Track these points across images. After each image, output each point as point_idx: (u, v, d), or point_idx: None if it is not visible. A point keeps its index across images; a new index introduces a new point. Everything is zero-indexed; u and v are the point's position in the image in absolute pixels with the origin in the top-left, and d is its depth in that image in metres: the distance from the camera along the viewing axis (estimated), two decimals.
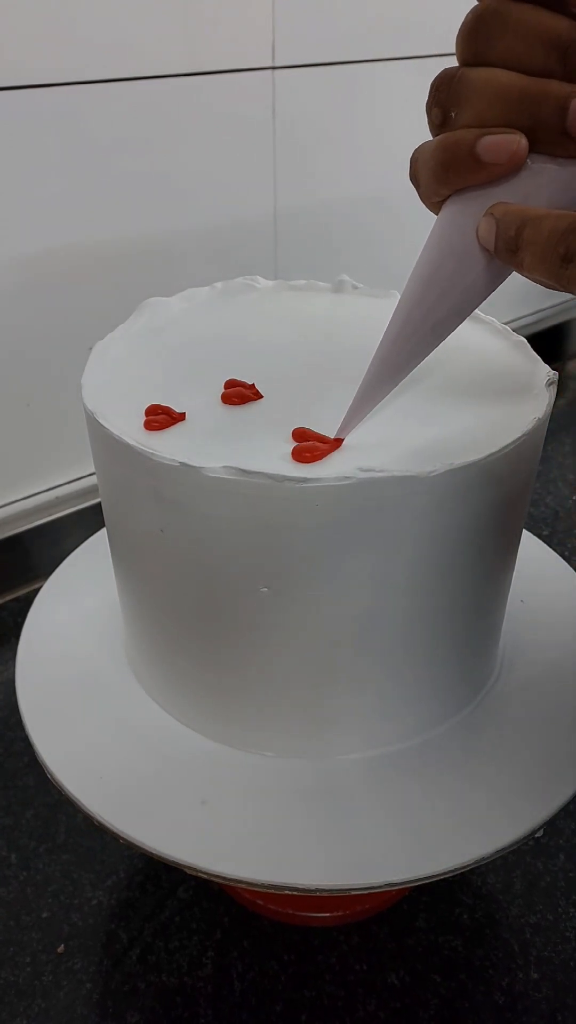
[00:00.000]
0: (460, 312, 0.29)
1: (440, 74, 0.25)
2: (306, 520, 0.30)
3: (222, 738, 0.38)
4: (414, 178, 0.27)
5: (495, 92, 0.24)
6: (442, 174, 0.26)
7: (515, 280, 0.28)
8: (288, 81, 0.66)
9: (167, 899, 0.47)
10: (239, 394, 0.35)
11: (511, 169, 0.25)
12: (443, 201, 0.27)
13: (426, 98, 0.27)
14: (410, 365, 0.31)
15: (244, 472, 0.29)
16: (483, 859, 0.34)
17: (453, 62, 0.26)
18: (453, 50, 0.26)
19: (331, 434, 0.32)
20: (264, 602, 0.33)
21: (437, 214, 0.28)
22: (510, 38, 0.24)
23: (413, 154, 0.27)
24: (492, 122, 0.24)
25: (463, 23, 0.25)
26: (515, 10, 0.24)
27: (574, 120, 0.23)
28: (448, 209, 0.27)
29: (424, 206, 0.28)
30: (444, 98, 0.25)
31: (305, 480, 0.29)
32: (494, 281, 0.28)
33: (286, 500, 0.30)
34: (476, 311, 0.42)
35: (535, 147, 0.24)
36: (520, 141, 0.24)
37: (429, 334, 0.30)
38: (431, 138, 0.27)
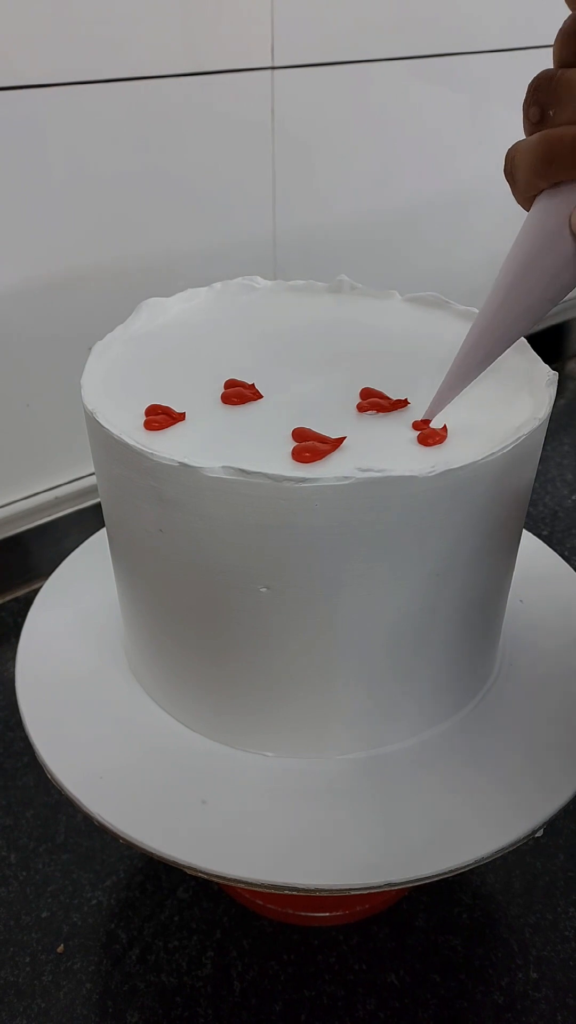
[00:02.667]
0: (553, 298, 0.30)
1: (539, 75, 0.27)
2: (305, 520, 0.30)
3: (221, 738, 0.38)
4: (510, 174, 0.29)
5: None
6: (543, 168, 0.27)
7: None
8: (287, 81, 0.66)
9: (167, 899, 0.47)
10: (239, 394, 0.35)
11: None
12: (536, 196, 0.29)
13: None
14: (500, 350, 0.32)
15: (243, 472, 0.29)
16: (482, 859, 0.34)
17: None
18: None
19: (331, 434, 0.32)
20: (263, 602, 0.33)
21: (528, 210, 0.29)
22: None
23: (509, 151, 0.29)
24: None
25: (562, 28, 0.27)
26: None
27: None
28: (543, 201, 0.28)
29: (515, 203, 0.30)
30: (543, 97, 0.27)
31: (304, 480, 0.29)
32: None
33: (285, 500, 0.30)
34: (476, 311, 0.42)
35: None
36: None
37: (521, 319, 0.31)
38: (524, 137, 0.28)
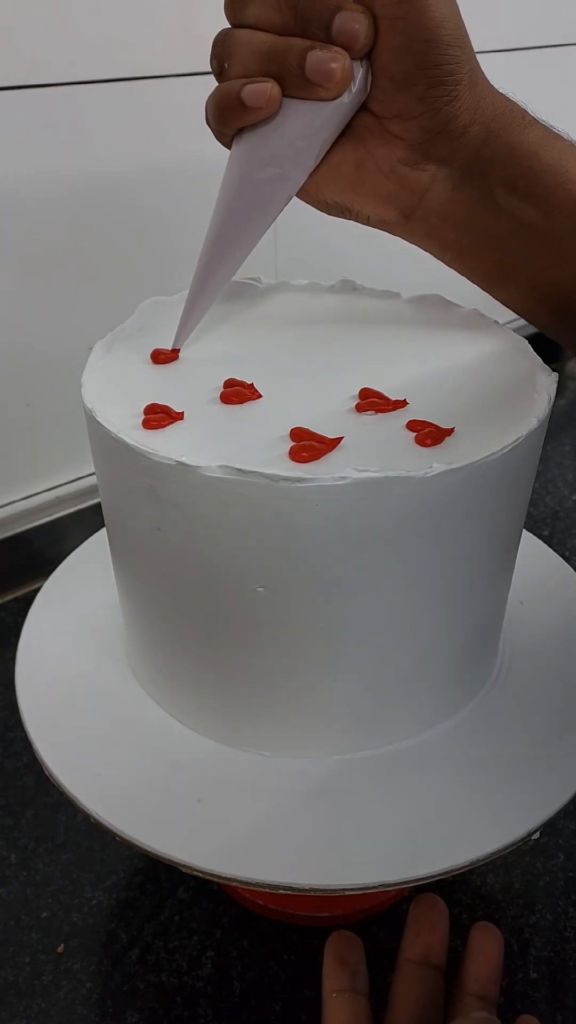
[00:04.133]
0: (259, 226, 0.35)
1: (218, 33, 0.31)
2: (303, 520, 0.30)
3: (220, 737, 0.38)
4: (207, 122, 0.33)
5: (252, 49, 0.30)
6: (220, 116, 0.32)
7: None
8: None
9: (167, 899, 0.47)
10: (238, 393, 0.35)
11: (270, 110, 0.30)
12: (232, 139, 0.33)
13: None
14: (228, 273, 0.37)
15: (240, 471, 0.29)
16: (482, 859, 0.34)
17: None
18: None
19: (330, 434, 0.32)
20: (260, 601, 0.33)
21: (229, 149, 0.33)
22: (258, 4, 0.30)
23: (206, 102, 0.32)
24: (253, 73, 0.30)
25: None
26: None
27: (311, 69, 0.29)
28: (234, 146, 0.33)
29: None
30: (219, 52, 0.31)
31: (301, 480, 0.29)
32: (277, 197, 0.34)
33: (282, 500, 0.30)
34: (477, 311, 0.42)
35: (287, 92, 0.30)
36: (273, 88, 0.30)
37: (236, 246, 0.35)
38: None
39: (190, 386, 0.36)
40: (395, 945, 0.45)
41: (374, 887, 0.33)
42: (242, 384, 0.36)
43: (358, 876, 0.33)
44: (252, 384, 0.36)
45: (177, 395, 0.35)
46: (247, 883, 0.33)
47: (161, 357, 0.38)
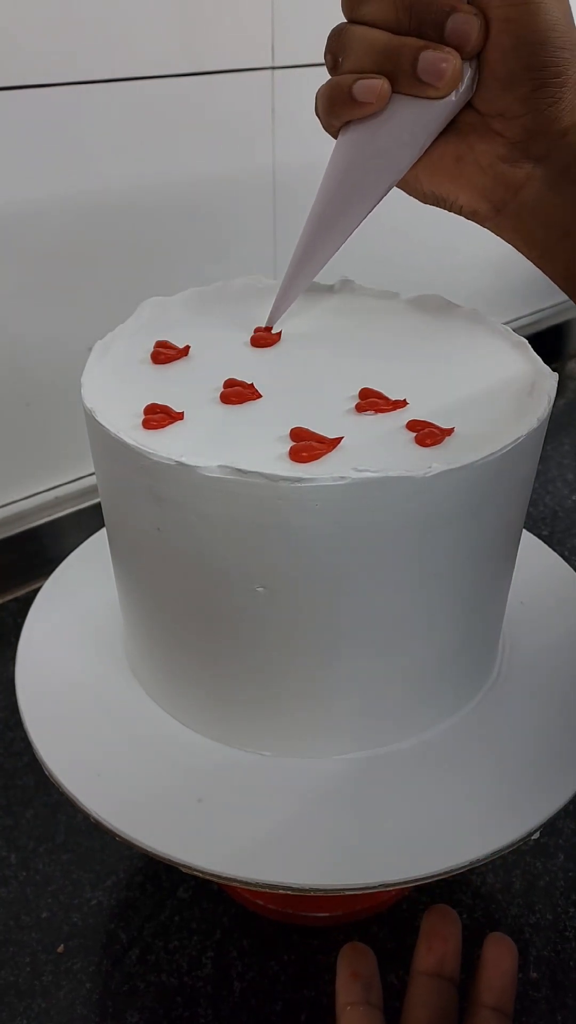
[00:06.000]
0: (360, 212, 0.36)
1: (334, 28, 0.32)
2: (302, 520, 0.30)
3: (220, 737, 0.38)
4: (317, 112, 0.34)
5: (367, 45, 0.31)
6: (330, 109, 0.33)
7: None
8: (288, 81, 0.66)
9: (167, 899, 0.47)
10: (237, 393, 0.35)
11: (379, 106, 0.32)
12: (339, 129, 0.34)
13: None
14: (326, 258, 0.38)
15: (240, 471, 0.29)
16: (481, 859, 0.34)
17: None
18: None
19: (330, 434, 0.32)
20: (260, 601, 0.33)
21: (336, 138, 0.35)
22: (375, 2, 0.31)
23: (316, 93, 0.33)
24: (366, 68, 0.31)
25: None
26: None
27: (423, 68, 0.30)
28: (341, 137, 0.34)
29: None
30: (334, 46, 0.32)
31: (300, 480, 0.29)
32: (379, 186, 0.35)
33: (282, 500, 0.30)
34: (477, 311, 0.42)
35: (398, 89, 0.31)
36: (384, 85, 0.31)
37: (336, 233, 0.37)
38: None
39: (190, 386, 0.36)
40: (395, 945, 0.45)
41: (374, 887, 0.33)
42: (242, 384, 0.36)
43: (358, 876, 0.33)
44: (252, 384, 0.36)
45: (177, 395, 0.35)
46: (247, 883, 0.33)
47: (161, 357, 0.38)
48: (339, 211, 0.36)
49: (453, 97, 0.31)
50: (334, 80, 0.32)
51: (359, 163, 0.34)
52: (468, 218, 0.36)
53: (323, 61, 0.33)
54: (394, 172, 0.34)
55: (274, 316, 0.40)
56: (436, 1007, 0.35)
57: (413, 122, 0.32)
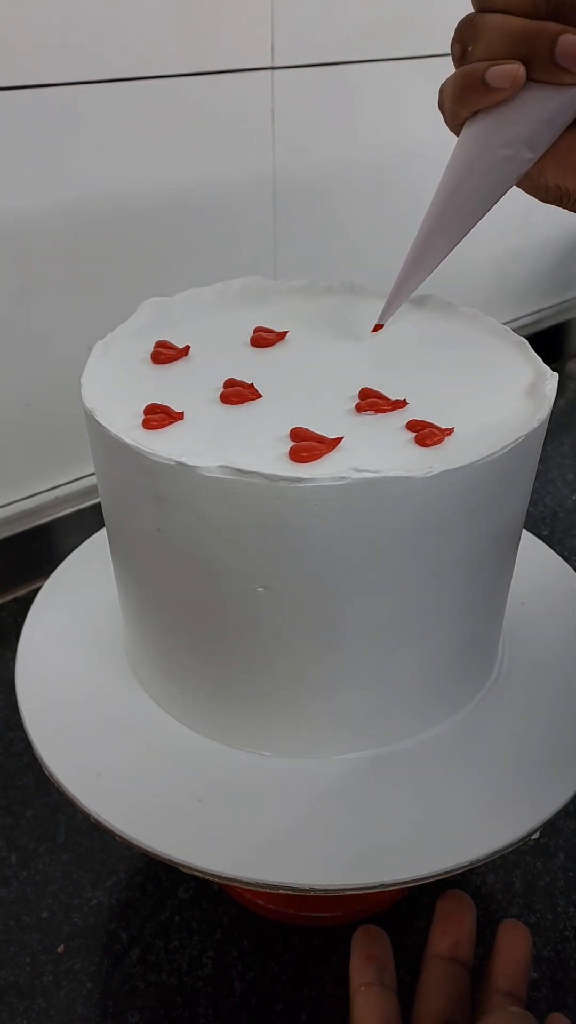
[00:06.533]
0: (481, 208, 0.35)
1: (463, 18, 0.31)
2: (302, 520, 0.30)
3: (220, 737, 0.38)
4: (441, 106, 0.33)
5: (502, 31, 0.30)
6: (460, 97, 0.32)
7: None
8: (287, 81, 0.66)
9: (167, 899, 0.47)
10: (237, 393, 0.35)
11: (513, 92, 0.30)
12: (462, 124, 0.33)
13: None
14: (439, 257, 0.37)
15: (240, 472, 0.29)
16: (481, 859, 0.34)
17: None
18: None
19: (330, 434, 0.32)
20: (260, 602, 0.33)
21: (458, 135, 0.34)
22: None
23: (441, 86, 0.33)
24: (499, 55, 0.30)
25: None
26: None
27: (561, 52, 0.29)
28: (467, 128, 0.33)
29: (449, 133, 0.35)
30: (464, 36, 0.31)
31: (300, 480, 0.29)
32: (506, 179, 0.34)
33: (282, 500, 0.30)
34: (477, 311, 0.42)
35: (532, 75, 0.30)
36: (519, 70, 0.30)
37: (457, 228, 0.35)
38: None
39: (190, 386, 0.36)
40: (395, 945, 0.45)
41: (374, 887, 0.33)
42: (242, 384, 0.36)
43: (358, 876, 0.33)
44: (252, 384, 0.36)
45: (177, 395, 0.35)
46: (247, 883, 0.33)
47: (161, 357, 0.38)
48: (462, 205, 0.35)
49: None
50: (466, 68, 0.31)
51: (486, 154, 0.32)
52: None
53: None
54: (523, 162, 0.33)
55: (387, 313, 0.39)
56: (450, 991, 0.35)
57: (545, 109, 0.31)
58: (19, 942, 0.45)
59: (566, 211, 0.34)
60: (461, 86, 0.31)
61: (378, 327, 0.40)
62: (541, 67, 0.30)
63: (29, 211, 0.58)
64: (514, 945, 0.36)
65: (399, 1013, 0.34)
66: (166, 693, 0.40)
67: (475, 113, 0.32)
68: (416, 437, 0.32)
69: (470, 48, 0.31)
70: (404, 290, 0.38)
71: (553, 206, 0.34)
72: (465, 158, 0.33)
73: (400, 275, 0.38)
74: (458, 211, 0.35)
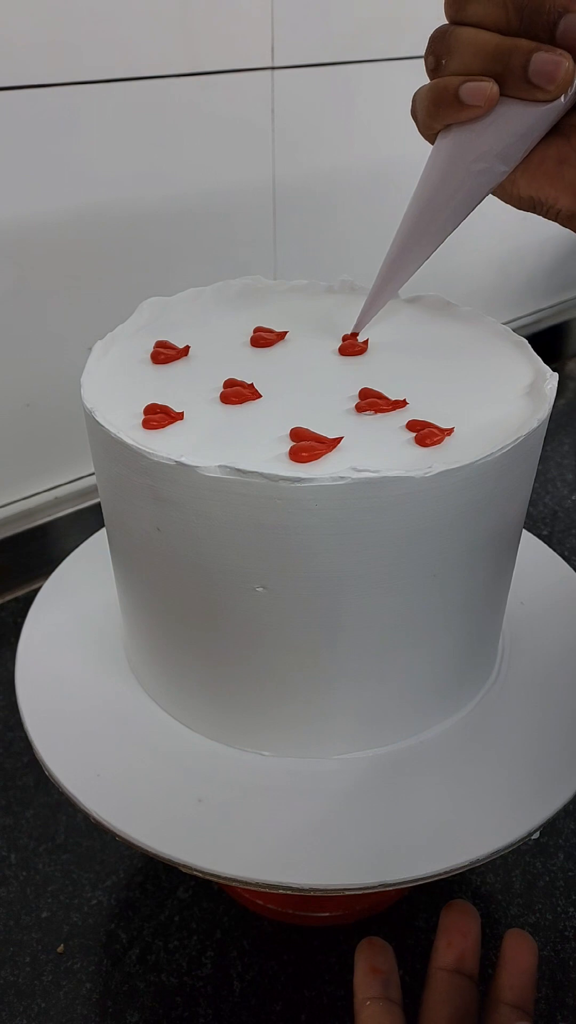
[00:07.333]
0: (454, 219, 0.35)
1: (436, 29, 0.31)
2: (301, 520, 0.30)
3: (219, 737, 0.38)
4: (414, 114, 0.33)
5: (476, 47, 0.30)
6: (433, 111, 0.32)
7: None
8: (287, 81, 0.66)
9: (167, 899, 0.47)
10: (237, 393, 0.35)
11: (487, 110, 0.31)
12: (437, 133, 0.33)
13: None
14: (414, 267, 0.37)
15: (239, 471, 0.29)
16: (481, 859, 0.34)
17: None
18: None
19: (330, 434, 0.32)
20: (260, 601, 0.33)
21: (432, 143, 0.34)
22: (483, 3, 0.29)
23: (414, 95, 0.33)
24: (473, 71, 0.30)
25: None
26: None
27: (535, 71, 0.29)
28: (440, 140, 0.33)
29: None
30: (437, 48, 0.31)
31: (300, 480, 0.29)
32: (479, 191, 0.34)
33: (281, 500, 0.30)
34: (477, 311, 0.42)
35: (506, 91, 0.30)
36: (493, 88, 0.30)
37: (431, 239, 0.36)
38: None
39: (190, 386, 0.36)
40: (395, 945, 0.45)
41: (374, 887, 0.33)
42: (242, 384, 0.36)
43: (358, 876, 0.33)
44: (252, 384, 0.36)
45: (177, 395, 0.35)
46: (247, 883, 0.33)
47: (161, 357, 0.38)
48: (435, 216, 0.35)
49: (563, 100, 0.30)
50: (439, 82, 0.31)
51: (460, 168, 0.33)
52: (564, 224, 0.35)
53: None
54: (496, 176, 0.33)
55: (362, 322, 0.40)
56: (456, 1004, 0.34)
57: (519, 124, 0.31)
58: (19, 942, 0.45)
59: None
60: (435, 100, 0.31)
61: (354, 335, 0.40)
62: (515, 84, 0.30)
63: (29, 211, 0.58)
64: (520, 956, 0.35)
65: None
66: (166, 693, 0.40)
67: (448, 125, 0.32)
68: (416, 437, 0.32)
69: (443, 61, 0.31)
70: (379, 299, 0.39)
71: None
72: (439, 170, 0.34)
73: (375, 285, 0.38)
74: (432, 222, 0.35)
